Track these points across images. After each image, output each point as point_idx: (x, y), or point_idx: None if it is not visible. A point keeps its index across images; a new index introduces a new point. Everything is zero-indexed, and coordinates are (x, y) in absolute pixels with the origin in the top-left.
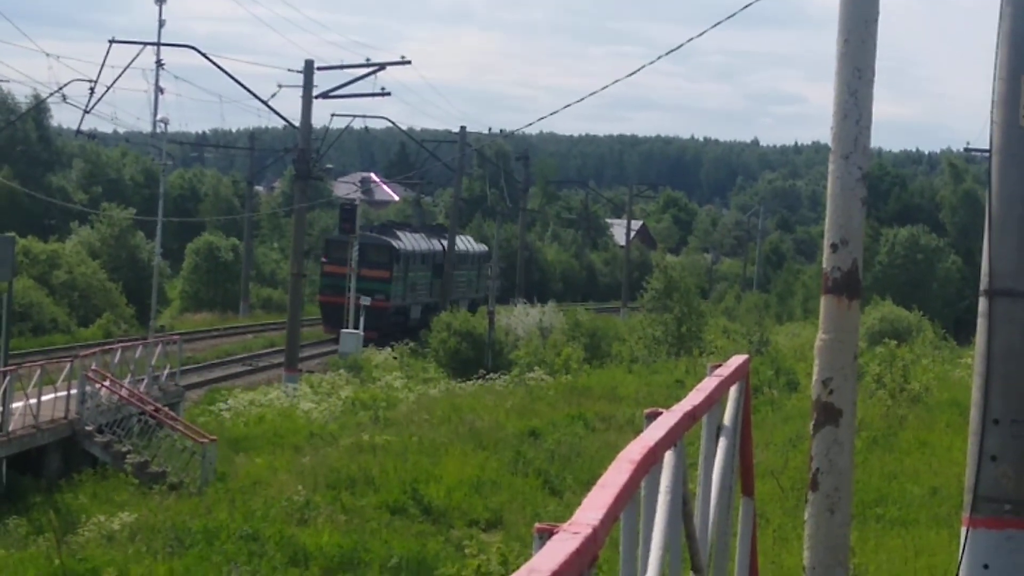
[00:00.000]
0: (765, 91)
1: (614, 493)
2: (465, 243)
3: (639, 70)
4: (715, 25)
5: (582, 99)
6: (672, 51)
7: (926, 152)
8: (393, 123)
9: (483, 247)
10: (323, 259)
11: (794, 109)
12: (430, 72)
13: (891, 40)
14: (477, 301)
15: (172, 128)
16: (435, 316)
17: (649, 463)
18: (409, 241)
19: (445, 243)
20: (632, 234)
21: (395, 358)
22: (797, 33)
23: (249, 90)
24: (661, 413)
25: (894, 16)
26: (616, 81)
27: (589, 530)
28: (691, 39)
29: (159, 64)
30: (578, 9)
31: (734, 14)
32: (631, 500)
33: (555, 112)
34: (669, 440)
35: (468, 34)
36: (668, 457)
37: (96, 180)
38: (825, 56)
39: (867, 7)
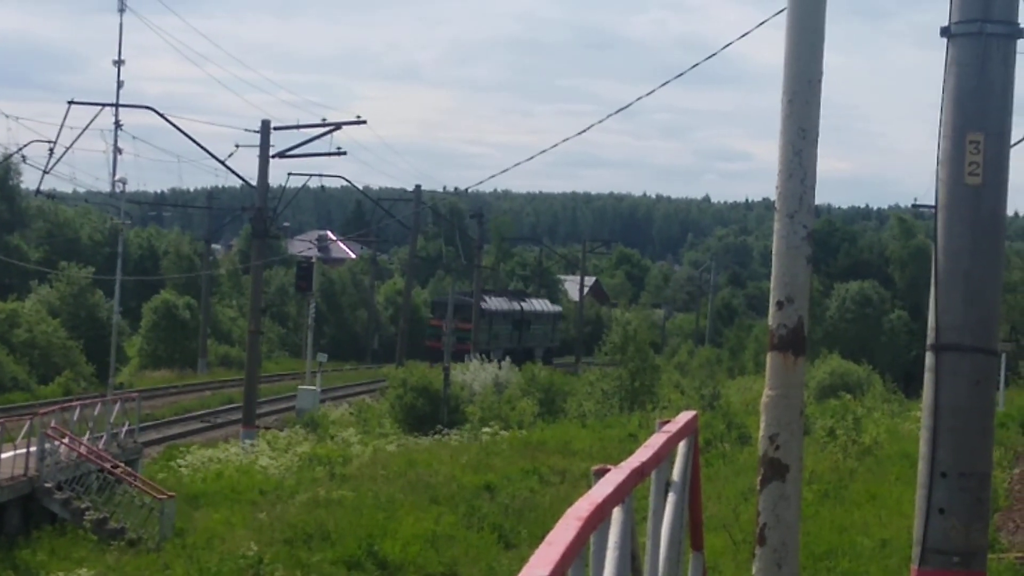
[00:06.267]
0: (712, 148)
1: (561, 550)
2: (542, 304)
3: (589, 128)
4: (664, 84)
5: (532, 157)
6: (621, 109)
7: (875, 208)
8: (349, 182)
9: (557, 307)
10: (432, 314)
11: (741, 165)
12: (383, 130)
13: (839, 97)
14: (551, 349)
15: (130, 188)
16: (513, 358)
17: (597, 520)
18: (494, 302)
19: (524, 304)
20: (586, 290)
21: (351, 414)
22: (738, 91)
23: (206, 150)
24: (609, 470)
25: (839, 74)
26: (567, 139)
27: None
28: (640, 98)
29: (117, 125)
30: (522, 67)
31: (683, 73)
32: (578, 557)
33: (506, 170)
34: (617, 497)
35: (417, 92)
36: (616, 514)
37: (54, 239)
38: (767, 113)
39: (811, 68)
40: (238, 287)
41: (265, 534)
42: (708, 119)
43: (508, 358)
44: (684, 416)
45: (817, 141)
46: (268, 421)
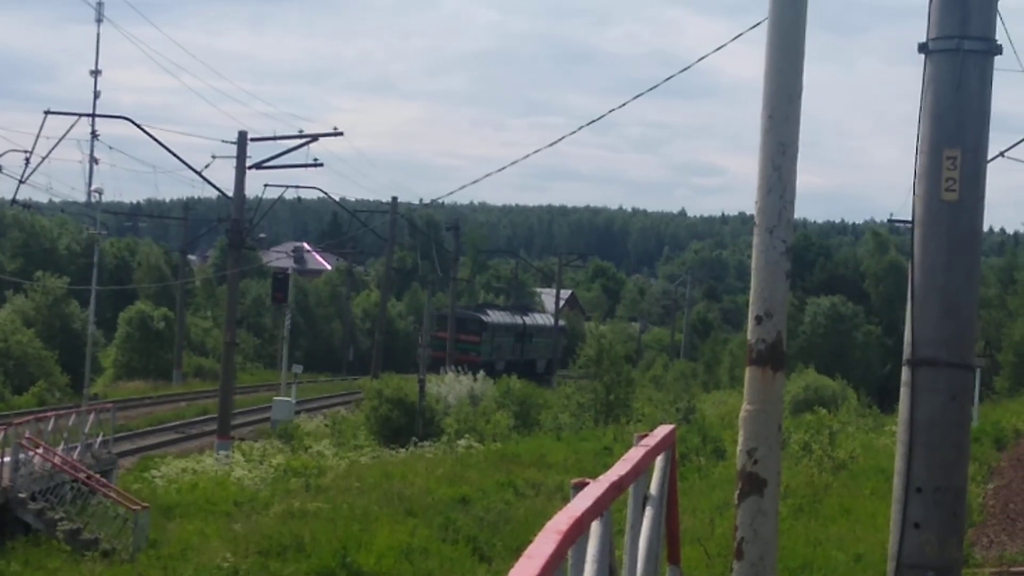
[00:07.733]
0: (685, 161)
1: (540, 564)
2: (544, 318)
3: (560, 140)
4: (637, 96)
5: (503, 168)
6: (593, 121)
7: (850, 222)
8: (325, 193)
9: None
10: (435, 326)
11: (715, 180)
12: (358, 141)
13: (813, 112)
14: (552, 361)
15: (106, 198)
16: (516, 368)
17: (576, 533)
18: (496, 316)
19: (526, 318)
20: (562, 303)
21: (327, 426)
22: (711, 104)
23: (183, 160)
24: (588, 483)
25: (813, 88)
26: (538, 151)
27: None
28: (612, 110)
29: (94, 135)
30: (495, 80)
31: (658, 85)
32: (557, 570)
33: (476, 181)
34: (596, 510)
35: (391, 104)
36: (595, 527)
37: (29, 249)
38: (740, 127)
39: (791, 83)
40: (213, 298)
41: (240, 545)
42: (681, 133)
43: (481, 371)
44: (662, 430)
45: (796, 157)
46: (243, 432)
